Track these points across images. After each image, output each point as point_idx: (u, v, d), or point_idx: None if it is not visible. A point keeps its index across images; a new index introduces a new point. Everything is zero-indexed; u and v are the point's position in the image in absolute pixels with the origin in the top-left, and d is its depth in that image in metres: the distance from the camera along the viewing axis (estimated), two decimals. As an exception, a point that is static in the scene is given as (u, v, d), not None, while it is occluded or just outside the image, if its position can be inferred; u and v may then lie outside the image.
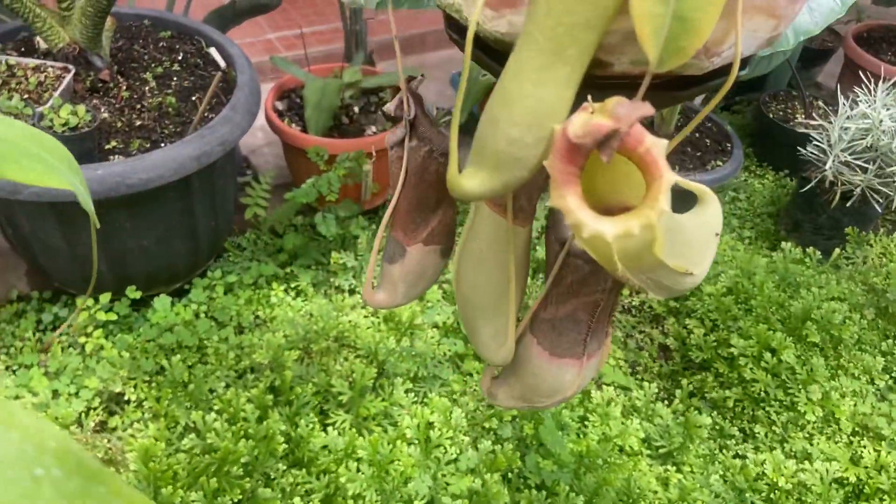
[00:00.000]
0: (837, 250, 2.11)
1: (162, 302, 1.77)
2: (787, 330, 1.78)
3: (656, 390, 1.71)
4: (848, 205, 2.07)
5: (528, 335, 0.58)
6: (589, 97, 0.40)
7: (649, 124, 2.13)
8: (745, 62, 0.53)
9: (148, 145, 1.60)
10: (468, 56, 0.42)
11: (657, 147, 0.41)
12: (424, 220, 0.57)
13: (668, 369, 1.83)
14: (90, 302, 1.73)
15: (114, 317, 1.72)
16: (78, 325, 1.70)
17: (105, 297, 1.73)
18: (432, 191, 0.56)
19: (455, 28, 0.53)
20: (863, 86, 2.09)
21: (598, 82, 0.48)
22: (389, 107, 0.52)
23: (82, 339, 1.68)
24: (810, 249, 2.07)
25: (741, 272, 1.95)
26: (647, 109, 0.37)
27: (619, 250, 0.43)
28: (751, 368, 1.69)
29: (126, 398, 1.59)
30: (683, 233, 0.49)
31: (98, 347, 1.68)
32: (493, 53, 0.52)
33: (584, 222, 0.42)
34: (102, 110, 1.63)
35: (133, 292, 1.75)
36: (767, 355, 1.69)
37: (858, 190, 2.03)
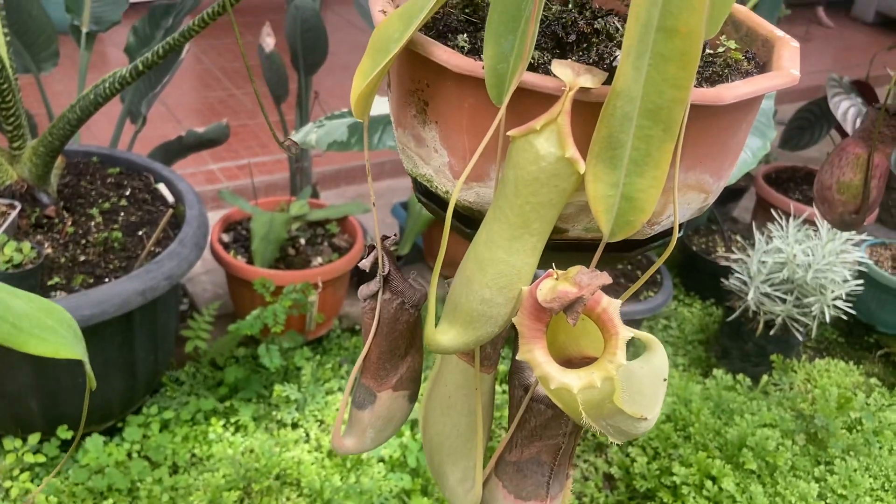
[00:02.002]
0: (765, 377, 2.21)
1: (94, 442, 1.70)
2: (726, 457, 1.82)
3: (603, 522, 1.70)
4: (771, 333, 2.19)
5: (493, 478, 0.60)
6: (553, 264, 0.45)
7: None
8: (680, 226, 0.60)
9: (91, 280, 1.59)
10: (448, 225, 0.46)
11: (612, 306, 0.46)
12: (394, 366, 0.60)
13: (614, 499, 1.83)
14: (17, 443, 1.64)
15: (42, 458, 1.63)
16: (3, 467, 1.60)
17: (34, 438, 1.65)
18: (402, 340, 0.59)
19: (424, 193, 0.58)
20: (775, 222, 2.26)
21: (556, 244, 0.53)
22: (365, 263, 0.56)
23: (7, 484, 1.58)
24: (740, 376, 2.16)
25: (678, 399, 2.02)
26: (606, 279, 0.42)
27: (583, 401, 0.47)
28: (693, 497, 1.71)
29: (50, 548, 1.48)
30: (636, 381, 0.54)
31: (24, 492, 1.58)
32: (460, 217, 0.57)
33: (552, 375, 0.46)
34: (46, 246, 1.62)
35: (64, 432, 1.67)
36: (709, 483, 1.72)
37: (780, 319, 2.16)
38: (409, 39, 0.48)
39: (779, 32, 0.56)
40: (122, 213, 1.78)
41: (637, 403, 0.52)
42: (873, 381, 2.28)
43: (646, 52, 0.42)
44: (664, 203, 0.50)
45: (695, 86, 0.47)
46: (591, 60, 0.50)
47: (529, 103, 0.45)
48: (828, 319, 2.10)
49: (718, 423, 1.92)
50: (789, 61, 0.51)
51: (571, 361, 0.54)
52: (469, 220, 0.54)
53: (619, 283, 2.23)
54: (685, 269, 2.72)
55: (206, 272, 2.64)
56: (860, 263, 2.22)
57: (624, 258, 0.57)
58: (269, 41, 2.33)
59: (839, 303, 2.11)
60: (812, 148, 2.94)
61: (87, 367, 0.36)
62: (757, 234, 2.26)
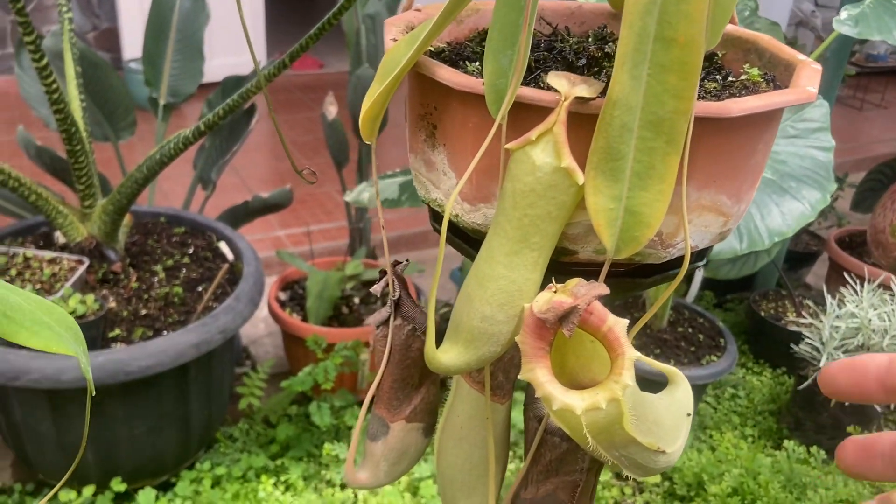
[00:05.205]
0: (842, 450, 2.06)
1: (146, 496, 1.72)
2: (798, 534, 1.69)
3: None
4: (847, 404, 2.06)
5: (508, 518, 0.57)
6: (553, 279, 0.44)
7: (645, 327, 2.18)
8: (702, 253, 0.58)
9: (151, 333, 1.64)
10: (443, 241, 0.46)
11: (619, 325, 0.45)
12: (407, 397, 0.59)
13: (676, 578, 1.72)
14: (73, 495, 1.68)
15: (95, 510, 1.66)
16: (56, 518, 1.63)
17: (88, 490, 1.68)
18: (415, 368, 0.58)
19: (438, 220, 0.58)
20: (848, 286, 2.16)
21: (567, 268, 0.52)
22: (376, 287, 0.56)
23: (58, 535, 1.60)
24: (814, 449, 2.03)
25: (745, 471, 1.90)
26: (603, 289, 0.41)
27: (588, 424, 0.44)
28: (763, 577, 1.59)
29: None
30: (655, 411, 0.51)
31: (74, 543, 1.60)
32: (471, 242, 0.56)
33: (554, 395, 0.44)
34: (111, 300, 1.69)
35: (118, 484, 1.70)
36: (779, 562, 1.60)
37: (855, 387, 2.03)
38: (415, 61, 0.49)
39: (801, 56, 0.55)
40: (184, 270, 1.85)
41: (654, 434, 0.50)
42: (965, 458, 2.10)
43: (643, 62, 0.41)
44: (677, 223, 0.49)
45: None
46: (601, 82, 0.50)
47: (530, 118, 0.45)
48: (909, 389, 1.96)
49: (790, 498, 1.79)
50: (807, 80, 0.50)
51: (584, 388, 0.51)
52: (479, 244, 0.54)
53: (680, 347, 2.15)
54: (753, 336, 2.61)
55: (268, 335, 2.69)
56: (943, 330, 2.08)
57: (642, 284, 0.55)
58: (331, 109, 2.42)
59: (921, 371, 1.97)
60: (887, 211, 2.82)
61: (84, 367, 0.37)
62: (829, 299, 2.15)
